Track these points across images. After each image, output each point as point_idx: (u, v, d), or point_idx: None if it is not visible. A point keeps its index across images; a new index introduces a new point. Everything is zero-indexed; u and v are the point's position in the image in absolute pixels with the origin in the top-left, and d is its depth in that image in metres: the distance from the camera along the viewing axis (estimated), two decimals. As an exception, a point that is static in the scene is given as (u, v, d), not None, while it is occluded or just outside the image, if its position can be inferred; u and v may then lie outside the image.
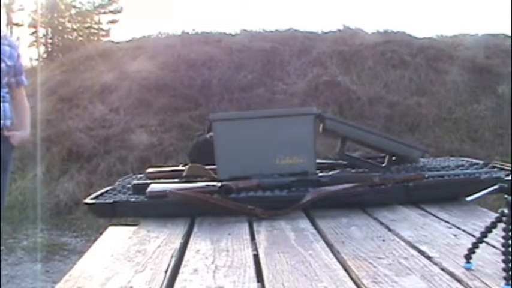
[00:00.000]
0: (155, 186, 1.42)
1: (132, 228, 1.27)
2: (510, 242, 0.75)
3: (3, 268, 4.04)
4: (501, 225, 0.78)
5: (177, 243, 1.08)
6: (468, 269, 0.84)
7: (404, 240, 1.03)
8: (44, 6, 16.77)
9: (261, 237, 1.09)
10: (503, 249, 0.76)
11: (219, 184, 1.39)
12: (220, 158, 1.55)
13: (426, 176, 1.46)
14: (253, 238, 1.10)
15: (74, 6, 17.58)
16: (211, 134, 1.82)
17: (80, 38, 16.19)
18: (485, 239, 0.85)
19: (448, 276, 0.81)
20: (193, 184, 1.46)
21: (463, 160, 1.82)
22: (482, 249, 0.86)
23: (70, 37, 16.89)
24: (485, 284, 0.77)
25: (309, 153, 1.53)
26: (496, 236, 0.82)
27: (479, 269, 0.83)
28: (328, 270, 0.86)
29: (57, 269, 4.30)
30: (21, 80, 2.84)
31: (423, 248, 0.97)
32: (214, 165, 1.57)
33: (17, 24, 17.13)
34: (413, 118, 7.25)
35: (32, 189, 6.45)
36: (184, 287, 0.82)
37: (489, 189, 0.87)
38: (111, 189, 1.58)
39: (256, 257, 0.95)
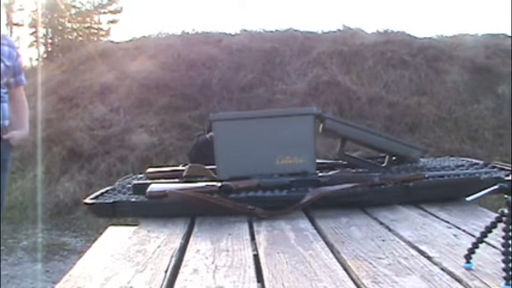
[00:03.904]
0: (155, 186, 1.42)
1: (132, 228, 1.27)
2: (510, 242, 0.75)
3: (3, 268, 4.04)
4: (501, 225, 0.78)
5: (177, 243, 1.08)
6: (468, 269, 0.84)
7: (404, 240, 1.03)
8: (44, 6, 16.78)
9: (261, 237, 1.09)
10: (503, 249, 0.76)
11: (219, 184, 1.39)
12: (220, 158, 1.55)
13: (426, 176, 1.45)
14: (253, 238, 1.10)
15: (74, 6, 17.60)
16: (211, 134, 1.82)
17: (80, 38, 16.21)
18: (485, 239, 0.85)
19: (448, 276, 0.81)
20: (193, 184, 1.46)
21: (463, 160, 1.82)
22: (482, 249, 0.86)
23: (70, 37, 16.92)
24: (485, 284, 0.77)
25: (309, 153, 1.53)
26: (496, 236, 0.82)
27: (479, 269, 0.83)
28: (328, 270, 0.86)
29: (57, 269, 4.30)
30: (20, 79, 2.84)
31: (423, 248, 0.97)
32: (214, 165, 1.57)
33: (17, 24, 17.16)
34: (413, 118, 7.25)
35: (32, 189, 6.45)
36: (184, 287, 0.82)
37: (489, 189, 0.86)
38: (111, 189, 1.58)
39: (256, 257, 0.95)
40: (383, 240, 1.03)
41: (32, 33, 17.31)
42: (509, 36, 8.80)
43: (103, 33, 17.81)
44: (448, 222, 1.16)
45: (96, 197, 1.46)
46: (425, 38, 9.17)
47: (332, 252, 0.97)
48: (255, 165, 1.49)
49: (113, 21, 18.40)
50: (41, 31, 16.73)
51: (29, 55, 15.60)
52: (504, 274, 0.74)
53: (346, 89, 7.65)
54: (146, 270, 0.91)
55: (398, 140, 1.68)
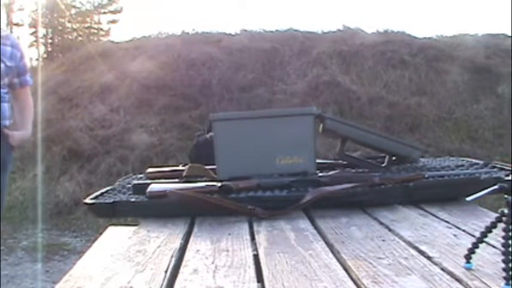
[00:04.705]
0: (155, 186, 1.42)
1: (132, 228, 1.27)
2: (510, 242, 0.75)
3: (3, 268, 4.04)
4: (501, 225, 0.78)
5: (177, 243, 1.08)
6: (468, 269, 0.84)
7: (404, 240, 1.03)
8: (44, 6, 16.80)
9: (261, 237, 1.09)
10: (503, 249, 0.76)
11: (219, 184, 1.39)
12: (220, 158, 1.55)
13: (426, 176, 1.45)
14: (253, 238, 1.10)
15: (74, 6, 17.63)
16: (211, 134, 1.82)
17: (80, 38, 16.22)
18: (485, 239, 0.85)
19: (448, 276, 0.81)
20: (193, 184, 1.46)
21: (463, 160, 1.82)
22: (482, 249, 0.86)
23: (70, 37, 16.95)
24: (485, 284, 0.77)
25: (309, 153, 1.53)
26: (496, 236, 0.82)
27: (479, 269, 0.83)
28: (328, 270, 0.86)
29: (57, 269, 4.31)
30: (24, 80, 2.82)
31: (423, 248, 0.97)
32: (214, 165, 1.57)
33: (17, 24, 17.18)
34: (413, 118, 7.25)
35: (32, 189, 6.45)
36: (184, 287, 0.82)
37: (489, 189, 0.87)
38: (111, 189, 1.58)
39: (256, 257, 0.95)
40: (383, 240, 1.03)
41: (32, 33, 17.33)
42: (509, 36, 8.80)
43: (103, 33, 17.83)
44: (448, 222, 1.16)
45: (96, 197, 1.45)
46: (425, 38, 9.18)
47: (332, 252, 0.97)
48: (255, 165, 1.49)
49: (113, 21, 18.42)
50: (41, 31, 16.76)
51: (29, 55, 15.63)
52: (504, 274, 0.74)
53: (346, 89, 7.65)
54: (146, 270, 0.91)
55: (398, 140, 1.68)
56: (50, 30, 16.75)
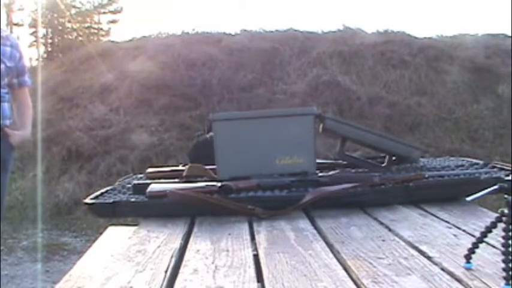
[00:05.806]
0: (155, 186, 1.42)
1: (132, 228, 1.27)
2: (510, 242, 0.75)
3: (3, 268, 4.04)
4: (501, 225, 0.78)
5: (177, 243, 1.08)
6: (468, 269, 0.84)
7: (404, 240, 1.03)
8: (44, 6, 16.80)
9: (261, 237, 1.09)
10: (503, 249, 0.76)
11: (219, 184, 1.39)
12: (220, 158, 1.55)
13: (426, 176, 1.46)
14: (253, 238, 1.10)
15: (74, 6, 17.62)
16: (211, 134, 1.82)
17: (80, 38, 16.22)
18: (485, 239, 0.85)
19: (448, 276, 0.81)
20: (193, 184, 1.46)
21: (463, 160, 1.82)
22: (482, 249, 0.86)
23: (70, 37, 16.94)
24: (485, 284, 0.77)
25: (309, 153, 1.53)
26: (496, 236, 0.82)
27: (479, 269, 0.83)
28: (328, 270, 0.86)
29: (57, 269, 4.30)
30: (23, 80, 2.82)
31: (423, 248, 0.97)
32: (214, 165, 1.57)
33: (17, 24, 17.18)
34: (413, 118, 7.25)
35: (32, 189, 6.45)
36: (184, 287, 0.82)
37: (489, 189, 0.86)
38: (111, 189, 1.58)
39: (256, 257, 0.95)
40: (383, 240, 1.03)
41: (32, 33, 17.33)
42: (509, 36, 8.80)
43: (103, 33, 17.83)
44: (448, 222, 1.16)
45: (96, 197, 1.45)
46: (425, 38, 9.18)
47: (332, 252, 0.97)
48: (255, 165, 1.49)
49: (113, 21, 18.42)
50: (41, 31, 16.76)
51: (29, 55, 15.63)
52: (504, 274, 0.74)
53: (346, 89, 7.65)
54: (146, 270, 0.91)
55: (398, 140, 1.68)
56: (50, 30, 16.76)
